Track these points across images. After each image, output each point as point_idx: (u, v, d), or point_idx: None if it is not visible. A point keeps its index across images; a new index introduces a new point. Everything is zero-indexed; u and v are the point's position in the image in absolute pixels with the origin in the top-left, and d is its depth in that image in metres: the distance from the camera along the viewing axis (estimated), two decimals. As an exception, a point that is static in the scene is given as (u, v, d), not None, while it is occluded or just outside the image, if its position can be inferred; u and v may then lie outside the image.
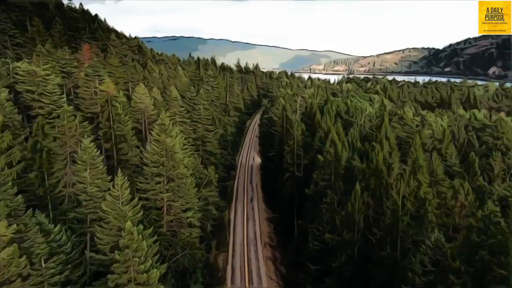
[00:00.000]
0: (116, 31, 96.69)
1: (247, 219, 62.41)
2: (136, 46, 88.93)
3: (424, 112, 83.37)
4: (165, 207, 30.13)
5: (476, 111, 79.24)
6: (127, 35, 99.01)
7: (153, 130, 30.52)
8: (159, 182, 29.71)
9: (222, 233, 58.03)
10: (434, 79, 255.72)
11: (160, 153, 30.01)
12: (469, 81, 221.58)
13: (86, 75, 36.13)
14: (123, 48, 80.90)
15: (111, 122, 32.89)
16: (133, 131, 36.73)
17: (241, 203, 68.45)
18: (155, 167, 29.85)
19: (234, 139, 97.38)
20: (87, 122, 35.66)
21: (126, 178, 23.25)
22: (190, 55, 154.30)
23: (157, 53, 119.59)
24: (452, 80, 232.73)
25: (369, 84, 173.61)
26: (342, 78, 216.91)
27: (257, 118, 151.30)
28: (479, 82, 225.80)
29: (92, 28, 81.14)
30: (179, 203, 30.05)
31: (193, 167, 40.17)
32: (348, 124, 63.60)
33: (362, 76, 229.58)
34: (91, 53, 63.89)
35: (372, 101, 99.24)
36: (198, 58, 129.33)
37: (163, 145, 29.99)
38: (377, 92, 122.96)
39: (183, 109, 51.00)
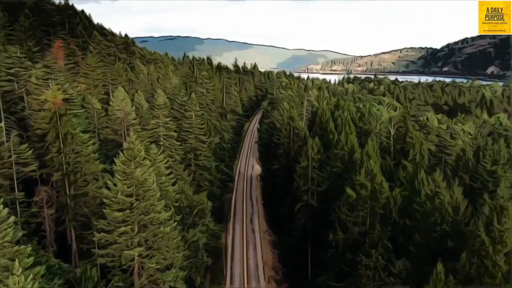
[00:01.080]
0: (103, 28, 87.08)
1: (247, 243, 53.12)
2: (123, 44, 79.32)
3: (443, 117, 74.64)
4: (136, 267, 20.92)
5: (501, 115, 70.32)
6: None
7: (116, 157, 21.17)
8: (125, 232, 20.47)
9: (218, 263, 48.77)
10: (431, 79, 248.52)
11: (127, 190, 20.83)
12: (476, 81, 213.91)
13: (36, 77, 26.79)
14: (107, 46, 71.30)
15: (61, 144, 23.68)
16: (99, 153, 27.44)
17: (239, 223, 59.17)
18: (119, 210, 20.64)
19: (231, 146, 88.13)
20: (37, 142, 26.29)
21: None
22: (185, 55, 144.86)
23: (149, 52, 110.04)
24: (455, 80, 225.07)
25: (371, 85, 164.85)
26: (342, 78, 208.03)
27: (255, 120, 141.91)
28: (482, 82, 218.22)
29: (73, 23, 71.48)
30: (155, 261, 20.85)
31: (180, 197, 30.91)
32: (364, 133, 54.51)
33: (363, 76, 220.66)
34: (66, 51, 54.32)
35: (382, 104, 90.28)
36: (194, 58, 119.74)
37: (132, 179, 20.80)
38: (384, 94, 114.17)
39: (168, 119, 41.59)
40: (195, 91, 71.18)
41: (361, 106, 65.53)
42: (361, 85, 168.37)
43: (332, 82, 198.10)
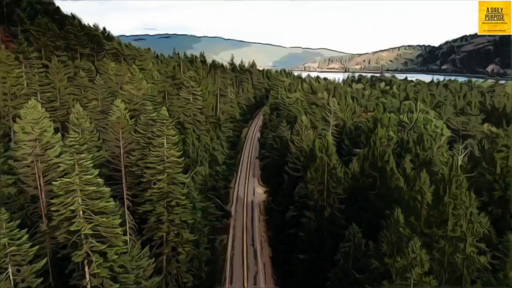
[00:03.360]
0: (62, 16, 67.15)
1: None
2: (86, 35, 59.60)
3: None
4: None
5: None
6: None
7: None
8: None
9: None
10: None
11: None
12: (488, 80, 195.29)
13: None
14: (59, 37, 51.55)
15: None
16: None
17: (239, 292, 40.17)
18: None
19: (227, 164, 68.77)
20: None
21: None
22: (174, 51, 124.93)
23: (126, 45, 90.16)
24: (458, 78, 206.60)
25: (382, 85, 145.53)
26: (347, 77, 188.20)
27: (255, 125, 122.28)
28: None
29: (11, 9, 51.64)
30: None
31: None
32: (422, 163, 35.37)
33: (368, 75, 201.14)
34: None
35: (413, 111, 71.03)
36: (178, 54, 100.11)
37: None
38: (408, 98, 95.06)
39: (88, 163, 21.55)
40: (177, 98, 51.72)
41: (405, 118, 46.23)
42: (371, 84, 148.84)
43: (331, 80, 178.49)
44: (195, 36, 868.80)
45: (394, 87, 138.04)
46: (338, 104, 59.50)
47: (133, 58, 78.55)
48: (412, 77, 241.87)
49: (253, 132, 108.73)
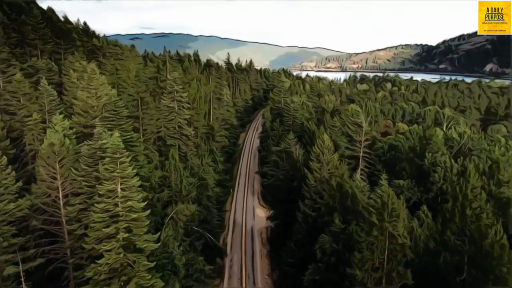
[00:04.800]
0: (17, 5, 54.83)
1: None
2: (45, 26, 47.60)
3: None
4: None
5: None
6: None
7: None
8: None
9: None
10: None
11: None
12: (495, 80, 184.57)
13: None
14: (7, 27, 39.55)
15: None
16: None
17: None
18: None
19: (222, 181, 57.03)
20: None
21: None
22: (165, 49, 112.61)
23: (109, 42, 78.00)
24: (465, 78, 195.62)
25: (389, 85, 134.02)
26: (349, 77, 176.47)
27: (254, 129, 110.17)
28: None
29: None
30: None
31: None
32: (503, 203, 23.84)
33: (371, 75, 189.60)
34: None
35: (440, 119, 59.72)
36: (166, 51, 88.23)
37: None
38: (425, 101, 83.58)
39: None
40: (156, 108, 39.77)
41: (454, 135, 34.47)
42: (377, 85, 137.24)
43: (333, 80, 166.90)
44: (191, 35, 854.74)
45: (402, 87, 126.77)
46: (357, 112, 47.82)
47: (115, 56, 66.74)
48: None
49: (252, 139, 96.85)
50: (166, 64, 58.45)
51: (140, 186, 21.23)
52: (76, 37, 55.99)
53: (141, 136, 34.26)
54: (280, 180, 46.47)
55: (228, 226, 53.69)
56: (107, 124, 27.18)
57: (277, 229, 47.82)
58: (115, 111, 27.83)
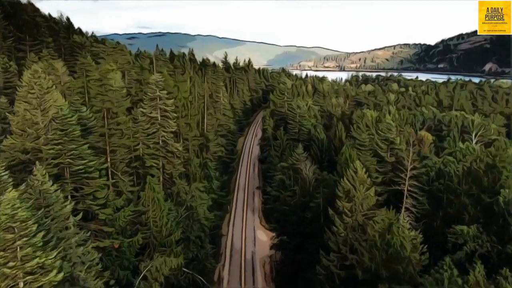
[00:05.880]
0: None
1: None
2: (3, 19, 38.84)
3: None
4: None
5: None
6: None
7: None
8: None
9: None
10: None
11: None
12: (501, 80, 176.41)
13: None
14: None
15: None
16: None
17: None
18: None
19: (218, 200, 48.48)
20: None
21: None
22: (157, 48, 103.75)
23: (93, 40, 69.16)
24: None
25: (395, 86, 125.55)
26: (351, 77, 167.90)
27: (253, 134, 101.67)
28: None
29: None
30: None
31: None
32: None
33: (373, 74, 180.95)
34: None
35: (469, 128, 51.31)
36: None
37: None
38: (441, 104, 75.32)
39: None
40: (133, 119, 31.09)
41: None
42: (382, 85, 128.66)
43: (335, 79, 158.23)
44: (189, 34, 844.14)
45: (410, 88, 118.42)
46: (378, 121, 39.46)
47: (96, 55, 58.08)
48: (411, 76, 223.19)
49: (251, 145, 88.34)
50: (153, 63, 49.67)
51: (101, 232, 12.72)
52: (46, 32, 47.18)
53: (108, 160, 25.73)
54: (287, 204, 37.92)
55: (225, 256, 45.18)
56: (50, 149, 18.51)
57: (284, 262, 39.41)
58: (62, 130, 19.20)
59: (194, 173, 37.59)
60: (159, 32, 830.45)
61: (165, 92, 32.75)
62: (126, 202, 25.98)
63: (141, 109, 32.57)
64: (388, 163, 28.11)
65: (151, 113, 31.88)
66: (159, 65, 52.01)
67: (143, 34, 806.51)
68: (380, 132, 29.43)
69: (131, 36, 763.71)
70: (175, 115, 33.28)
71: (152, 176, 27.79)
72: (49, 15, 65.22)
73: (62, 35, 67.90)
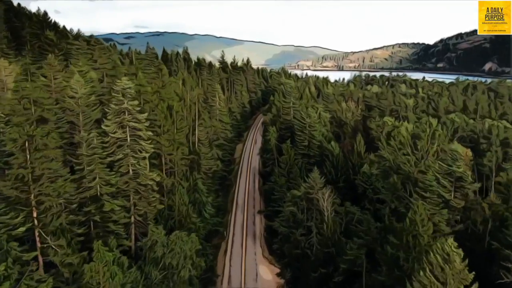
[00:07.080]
0: None
1: None
2: None
3: None
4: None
5: None
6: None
7: None
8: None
9: None
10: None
11: None
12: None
13: None
14: None
15: None
16: None
17: None
18: None
19: (212, 232, 39.42)
20: None
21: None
22: (148, 46, 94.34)
23: (71, 36, 59.77)
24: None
25: (403, 87, 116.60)
26: (355, 77, 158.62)
27: (252, 139, 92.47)
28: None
29: None
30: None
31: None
32: None
33: (377, 74, 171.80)
34: None
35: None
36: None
37: None
38: (466, 108, 66.47)
39: None
40: (87, 143, 21.81)
41: None
42: (389, 86, 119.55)
43: (339, 80, 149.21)
44: (186, 34, 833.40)
45: (420, 90, 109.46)
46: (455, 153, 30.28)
47: (72, 53, 48.88)
48: (413, 75, 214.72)
49: (250, 154, 78.88)
50: (134, 62, 40.21)
51: None
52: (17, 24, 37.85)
53: (32, 211, 16.45)
54: (297, 245, 28.72)
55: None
56: None
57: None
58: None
59: (179, 210, 28.40)
60: (157, 32, 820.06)
61: (136, 103, 23.54)
62: (72, 273, 16.82)
63: (103, 126, 23.30)
64: (456, 209, 19.02)
65: (115, 132, 22.65)
66: (141, 66, 42.66)
67: (141, 33, 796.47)
68: (441, 164, 20.29)
69: (129, 36, 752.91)
70: (150, 134, 24.09)
71: (111, 233, 18.44)
72: (19, 4, 55.80)
73: (33, 30, 58.65)
